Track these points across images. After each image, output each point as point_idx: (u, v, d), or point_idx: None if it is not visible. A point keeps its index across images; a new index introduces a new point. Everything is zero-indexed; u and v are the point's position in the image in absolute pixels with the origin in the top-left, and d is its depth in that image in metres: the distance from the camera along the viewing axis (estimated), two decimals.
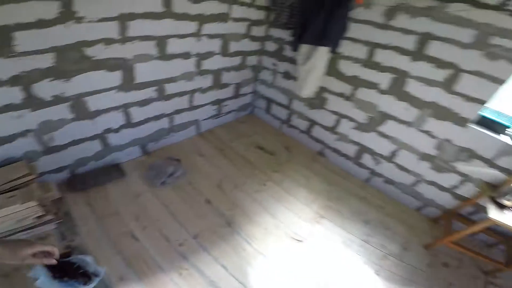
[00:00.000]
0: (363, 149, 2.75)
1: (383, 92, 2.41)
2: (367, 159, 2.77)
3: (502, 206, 1.95)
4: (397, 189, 2.72)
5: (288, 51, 2.76)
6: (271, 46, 2.95)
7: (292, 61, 2.70)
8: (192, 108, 2.62)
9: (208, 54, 2.40)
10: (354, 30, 2.38)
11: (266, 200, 2.38)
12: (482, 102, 2.03)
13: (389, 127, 2.51)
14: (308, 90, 2.65)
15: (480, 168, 2.20)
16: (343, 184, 2.78)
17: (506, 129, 2.11)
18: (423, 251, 2.31)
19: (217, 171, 2.52)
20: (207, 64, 2.44)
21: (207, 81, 2.55)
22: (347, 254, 2.14)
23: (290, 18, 2.56)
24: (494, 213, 1.88)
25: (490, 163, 2.15)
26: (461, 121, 2.15)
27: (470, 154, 2.20)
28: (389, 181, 2.74)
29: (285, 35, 2.71)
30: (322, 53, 2.44)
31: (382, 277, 2.03)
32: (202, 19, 2.16)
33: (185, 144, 2.76)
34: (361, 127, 2.67)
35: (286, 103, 3.11)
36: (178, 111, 2.53)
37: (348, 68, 2.54)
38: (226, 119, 3.16)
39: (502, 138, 2.09)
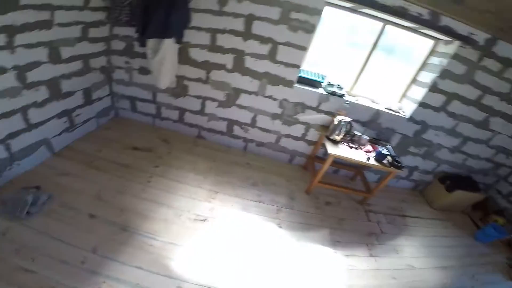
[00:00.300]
0: (231, 122, 3.12)
1: (230, 71, 2.76)
2: (238, 130, 3.17)
3: (335, 142, 2.69)
4: (268, 148, 3.27)
5: (138, 47, 2.68)
6: (118, 45, 2.77)
7: (144, 56, 2.65)
8: (32, 127, 2.21)
9: (33, 65, 2.04)
10: (196, 19, 2.54)
11: (156, 194, 2.37)
12: (297, 66, 2.66)
13: (243, 99, 2.94)
14: (165, 81, 2.69)
15: (313, 116, 2.93)
16: (226, 158, 3.09)
17: (321, 83, 2.85)
18: (306, 197, 2.91)
19: (91, 185, 2.30)
20: (35, 76, 2.08)
21: (40, 93, 2.18)
22: (249, 217, 2.44)
23: (131, 15, 2.46)
24: (331, 149, 2.60)
25: (317, 110, 2.88)
26: (289, 83, 2.77)
27: (303, 106, 2.88)
28: (260, 144, 3.25)
29: (131, 32, 2.60)
30: (169, 45, 2.50)
31: (285, 228, 2.42)
32: (12, 30, 1.80)
33: (40, 169, 2.34)
34: (223, 104, 3.00)
35: (150, 97, 3.06)
36: (12, 135, 2.10)
37: (198, 54, 2.73)
38: (86, 129, 2.82)
39: (319, 90, 2.82)
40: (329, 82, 2.86)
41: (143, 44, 2.51)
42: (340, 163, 3.18)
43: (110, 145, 2.80)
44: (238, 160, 3.10)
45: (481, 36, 2.45)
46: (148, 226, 2.08)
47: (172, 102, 3.05)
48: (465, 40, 2.46)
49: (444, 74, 2.61)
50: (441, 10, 2.34)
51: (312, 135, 3.09)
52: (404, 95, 2.99)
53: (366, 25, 2.69)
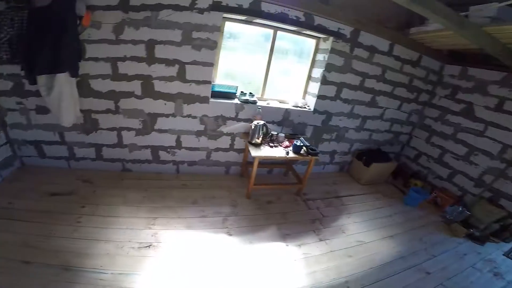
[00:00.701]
0: (156, 148, 3.07)
1: (140, 97, 2.76)
2: (164, 155, 3.13)
3: (257, 145, 2.89)
4: (202, 165, 3.30)
5: (29, 85, 2.46)
6: (4, 85, 2.51)
7: (39, 94, 2.45)
8: None
9: None
10: (91, 50, 2.49)
11: (90, 232, 2.20)
12: (209, 82, 2.81)
13: (162, 123, 2.94)
14: (69, 117, 2.52)
15: (234, 126, 3.11)
16: (158, 184, 3.00)
17: (235, 94, 3.06)
18: (247, 201, 3.00)
19: (13, 235, 2.01)
20: None
21: None
22: (196, 233, 2.40)
23: (12, 52, 2.26)
24: (254, 152, 2.78)
25: (236, 119, 3.06)
26: (204, 100, 2.90)
27: (223, 119, 3.03)
28: (192, 163, 3.26)
29: (17, 69, 2.39)
30: (64, 79, 2.36)
31: (235, 235, 2.47)
32: None
33: None
34: (142, 132, 2.94)
35: (58, 138, 2.81)
36: None
37: (101, 85, 2.66)
38: None
39: (235, 101, 3.02)
40: (242, 92, 3.10)
41: (33, 82, 2.33)
42: (269, 163, 3.41)
43: (22, 196, 2.46)
44: (172, 184, 3.05)
45: (347, 30, 3.00)
46: (91, 262, 1.92)
47: (84, 140, 2.86)
48: (336, 35, 2.98)
49: (329, 67, 3.10)
50: (312, 11, 2.79)
51: (239, 143, 3.25)
52: (306, 92, 3.42)
53: (262, 33, 3.06)
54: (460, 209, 3.30)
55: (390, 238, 2.87)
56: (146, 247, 2.18)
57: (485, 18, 2.35)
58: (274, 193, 3.19)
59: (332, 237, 2.70)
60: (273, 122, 3.18)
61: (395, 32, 3.25)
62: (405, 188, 3.90)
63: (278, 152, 2.84)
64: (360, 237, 2.79)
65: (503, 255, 2.98)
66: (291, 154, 2.84)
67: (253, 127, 2.82)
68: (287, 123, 3.26)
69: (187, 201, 2.81)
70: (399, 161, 4.34)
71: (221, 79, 3.09)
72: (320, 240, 2.63)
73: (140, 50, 2.56)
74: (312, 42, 3.21)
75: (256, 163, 2.77)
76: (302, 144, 2.89)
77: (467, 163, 3.58)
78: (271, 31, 2.99)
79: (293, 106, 3.27)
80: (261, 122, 2.83)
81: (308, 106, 3.35)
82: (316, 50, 3.23)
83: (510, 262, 2.89)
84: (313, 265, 2.30)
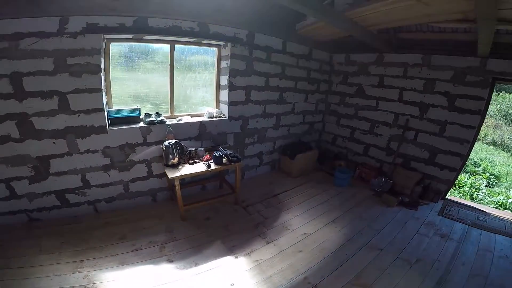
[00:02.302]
0: (60, 192, 2.59)
1: (19, 140, 2.29)
2: (74, 197, 2.66)
3: (175, 166, 2.69)
4: (123, 199, 2.91)
5: None
6: None
7: None
8: None
9: None
10: None
11: (9, 285, 1.90)
12: (100, 109, 2.50)
13: (58, 165, 2.50)
14: None
15: (145, 151, 2.84)
16: (76, 228, 2.55)
17: (139, 117, 2.81)
18: (184, 223, 2.76)
19: None
20: None
21: None
22: (132, 268, 2.14)
23: None
24: (171, 174, 2.57)
25: (146, 144, 2.80)
26: (101, 130, 2.56)
27: (130, 146, 2.74)
28: (110, 199, 2.85)
29: None
30: None
31: (177, 260, 2.26)
32: None
33: None
34: (36, 179, 2.46)
35: None
36: None
37: None
38: None
39: (140, 124, 2.76)
40: (147, 113, 2.87)
41: None
42: (198, 179, 3.25)
43: None
44: (92, 225, 2.61)
45: (243, 34, 3.11)
46: None
47: None
48: (233, 40, 3.05)
49: (233, 72, 3.16)
50: (205, 20, 2.80)
51: (158, 168, 2.99)
52: (218, 101, 3.40)
53: (159, 49, 2.91)
54: (383, 179, 3.69)
55: (332, 222, 2.97)
56: None
57: (345, 4, 2.67)
58: (211, 208, 3.05)
59: (278, 237, 2.67)
60: (189, 138, 3.03)
61: (285, 30, 3.51)
62: (333, 171, 4.15)
63: (199, 167, 2.71)
64: (304, 229, 2.82)
65: (438, 215, 3.30)
66: (213, 167, 2.74)
67: (164, 148, 2.63)
68: (206, 136, 3.16)
69: (113, 238, 2.46)
70: (320, 147, 4.71)
71: (128, 103, 2.84)
72: (268, 242, 2.57)
73: (4, 86, 2.12)
74: (215, 50, 3.22)
75: (177, 184, 2.58)
76: (221, 154, 2.83)
77: (373, 135, 4.11)
78: (168, 46, 2.87)
79: (208, 117, 3.19)
80: (173, 141, 2.66)
81: (223, 115, 3.33)
82: (220, 58, 3.25)
83: (448, 221, 3.19)
84: (268, 270, 2.22)
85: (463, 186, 4.92)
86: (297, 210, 3.16)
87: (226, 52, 3.14)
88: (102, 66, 2.48)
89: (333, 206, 3.31)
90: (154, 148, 2.86)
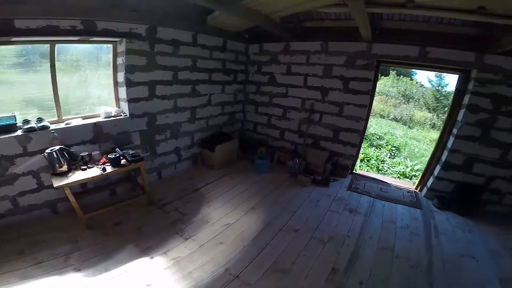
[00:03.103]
0: None
1: None
2: None
3: (63, 174, 2.43)
4: (14, 215, 2.55)
5: None
6: None
7: None
8: None
9: None
10: None
11: None
12: None
13: None
14: None
15: (28, 162, 2.51)
16: None
17: (15, 125, 2.45)
18: (90, 232, 2.56)
19: None
20: None
21: None
22: (36, 282, 1.96)
23: None
24: (57, 182, 2.31)
25: (28, 153, 2.48)
26: None
27: (6, 159, 2.38)
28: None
29: None
30: None
31: (85, 268, 2.12)
32: None
33: None
34: None
35: None
36: None
37: None
38: None
39: (17, 133, 2.42)
40: (25, 120, 2.51)
41: None
42: (104, 185, 3.05)
43: None
44: None
45: (142, 29, 2.91)
46: None
47: None
48: (129, 36, 2.83)
49: (130, 69, 2.94)
50: (91, 17, 2.53)
51: (49, 178, 2.68)
52: (118, 99, 3.16)
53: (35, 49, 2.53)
54: (297, 161, 3.94)
55: (252, 210, 3.04)
56: None
57: None
58: (122, 213, 2.85)
59: (197, 232, 2.64)
60: (83, 142, 2.77)
61: (195, 23, 3.41)
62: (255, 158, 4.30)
63: (92, 172, 2.51)
64: (225, 220, 2.84)
65: (347, 190, 3.65)
66: (110, 169, 2.56)
67: (46, 156, 2.36)
68: (104, 138, 2.92)
69: (10, 254, 2.20)
70: (244, 136, 4.83)
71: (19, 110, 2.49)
72: (186, 239, 2.53)
73: None
74: (110, 46, 2.94)
75: (68, 193, 2.37)
76: (118, 155, 2.66)
77: (286, 120, 4.36)
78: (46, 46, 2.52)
79: (106, 117, 2.95)
80: (56, 148, 2.39)
81: (124, 113, 3.11)
82: (115, 54, 2.99)
83: (356, 195, 3.54)
84: (188, 266, 2.19)
85: (370, 159, 5.60)
86: (218, 202, 3.18)
87: (121, 48, 2.90)
88: None
89: (253, 193, 3.42)
90: (38, 157, 2.53)
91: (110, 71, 3.05)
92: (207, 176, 3.82)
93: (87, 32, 2.57)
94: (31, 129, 2.49)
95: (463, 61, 3.04)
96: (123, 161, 2.67)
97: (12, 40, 2.31)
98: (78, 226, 2.63)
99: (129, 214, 2.88)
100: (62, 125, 2.69)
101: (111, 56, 3.00)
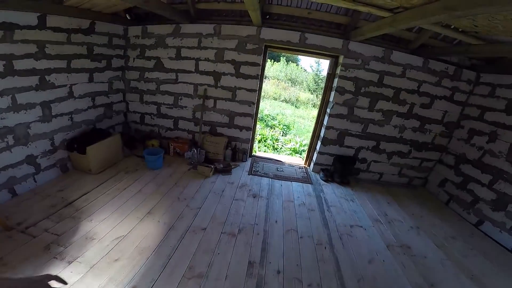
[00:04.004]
0: None
1: None
2: None
3: None
4: None
5: None
6: None
7: None
8: None
9: None
10: None
11: None
12: None
13: None
14: None
15: None
16: None
17: None
18: None
19: None
20: None
21: None
22: None
23: None
24: None
25: None
26: None
27: None
28: None
29: None
30: None
31: None
32: None
33: None
34: None
35: None
36: None
37: None
38: None
39: None
40: None
41: None
42: None
43: None
44: None
45: None
46: None
47: None
48: None
49: None
50: None
51: None
52: None
53: None
54: (196, 150, 3.68)
55: (149, 214, 2.64)
56: None
57: None
58: None
59: (82, 251, 2.08)
60: None
61: (45, 2, 2.53)
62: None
63: None
64: (116, 233, 2.33)
65: (249, 174, 3.65)
66: None
67: None
68: None
69: None
70: (129, 130, 4.18)
71: None
72: (70, 262, 1.96)
73: None
74: None
75: None
76: None
77: (179, 108, 4.01)
78: None
79: None
80: None
81: None
82: None
83: (256, 178, 3.59)
84: None
85: (266, 139, 6.02)
86: (103, 213, 2.59)
87: None
88: None
89: (148, 194, 2.99)
90: None
91: None
92: (83, 184, 3.05)
93: None
94: None
95: (333, 48, 3.47)
96: None
97: None
98: None
99: None
100: None
101: None
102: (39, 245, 2.14)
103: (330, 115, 3.78)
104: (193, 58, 3.73)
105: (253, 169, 3.90)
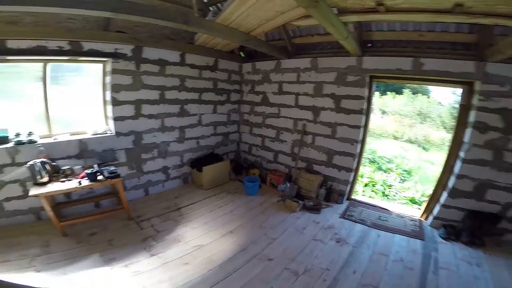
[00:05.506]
0: None
1: None
2: None
3: (43, 184, 2.56)
4: (0, 218, 2.69)
5: None
6: None
7: None
8: None
9: None
10: None
11: None
12: None
13: None
14: None
15: (15, 172, 2.68)
16: None
17: (7, 138, 2.68)
18: (64, 239, 2.65)
19: None
20: None
21: None
22: None
23: None
24: (33, 191, 2.45)
25: (16, 164, 2.66)
26: None
27: None
28: None
29: None
30: None
31: (45, 270, 2.19)
32: None
33: None
34: None
35: None
36: None
37: None
38: None
39: (8, 145, 2.63)
40: (17, 133, 2.75)
41: None
42: (87, 198, 3.15)
43: None
44: None
45: (127, 49, 3.11)
46: None
47: None
48: (114, 56, 3.03)
49: (116, 88, 3.13)
50: (78, 38, 2.77)
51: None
52: (106, 116, 3.32)
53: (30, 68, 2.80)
54: (288, 185, 3.73)
55: (230, 233, 2.90)
56: None
57: (212, 14, 2.84)
58: (101, 224, 2.92)
59: (166, 250, 2.57)
60: (69, 157, 2.92)
61: (183, 42, 3.57)
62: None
63: (69, 185, 2.60)
64: (198, 241, 2.73)
65: (340, 217, 3.29)
66: (86, 183, 2.64)
67: (29, 168, 2.51)
68: (89, 154, 3.06)
69: None
70: (239, 158, 4.74)
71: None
72: (152, 255, 2.48)
73: None
74: (100, 66, 3.16)
75: (44, 201, 2.48)
76: (95, 170, 2.74)
77: (280, 142, 4.21)
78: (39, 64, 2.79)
79: (93, 134, 3.11)
80: (38, 160, 2.54)
81: (110, 131, 3.25)
82: (104, 73, 3.21)
83: (348, 223, 3.17)
84: (144, 281, 2.15)
85: (376, 184, 5.15)
86: (197, 222, 3.08)
87: (109, 67, 3.11)
88: None
89: (237, 215, 3.28)
90: (25, 168, 2.72)
91: (100, 90, 3.25)
92: (194, 195, 3.76)
93: (74, 52, 2.80)
94: (20, 142, 2.69)
95: (462, 72, 2.73)
96: (100, 177, 2.75)
97: (7, 59, 2.59)
98: (56, 232, 2.71)
99: (106, 226, 2.92)
100: (50, 140, 2.88)
101: (101, 75, 3.20)
102: (141, 236, 2.80)
103: (464, 160, 2.83)
104: (293, 93, 3.93)
105: (347, 213, 3.42)
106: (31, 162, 2.53)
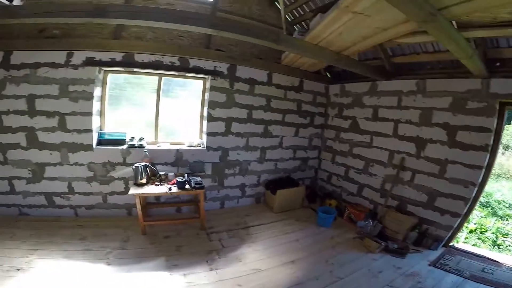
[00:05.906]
0: (49, 194, 3.06)
1: (26, 148, 2.89)
2: (60, 200, 3.09)
3: (141, 185, 2.94)
4: (100, 208, 3.22)
5: None
6: None
7: None
8: None
9: None
10: None
11: None
12: (90, 130, 3.00)
13: (50, 172, 3.01)
14: None
15: (123, 170, 3.20)
16: (52, 225, 2.94)
17: (124, 140, 3.24)
18: (142, 237, 2.92)
19: None
20: None
21: None
22: (72, 263, 2.35)
23: None
24: (133, 190, 2.82)
25: (125, 164, 3.16)
26: (88, 147, 3.04)
27: (111, 164, 3.13)
28: (90, 207, 3.19)
29: None
30: None
31: (114, 265, 2.41)
32: None
33: None
34: (32, 180, 2.98)
35: None
36: None
37: None
38: None
39: (124, 147, 3.19)
40: (132, 137, 3.29)
41: None
42: (173, 202, 3.44)
43: None
44: (67, 225, 2.98)
45: (224, 67, 3.40)
46: None
47: None
48: (213, 73, 3.35)
49: (212, 104, 3.41)
50: (186, 54, 3.20)
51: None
52: (201, 131, 3.64)
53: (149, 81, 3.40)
54: (370, 222, 3.23)
55: (290, 263, 2.66)
56: (15, 270, 2.17)
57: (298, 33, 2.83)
58: (176, 229, 3.11)
59: (226, 267, 2.52)
60: (166, 164, 3.29)
61: (270, 61, 3.69)
62: None
63: (160, 189, 2.89)
64: (257, 265, 2.60)
65: (429, 265, 2.72)
66: (174, 190, 2.89)
67: (133, 169, 2.92)
68: (182, 163, 3.38)
69: (75, 237, 2.77)
70: (315, 185, 4.39)
71: (113, 126, 3.32)
72: (211, 269, 2.46)
73: (21, 104, 2.81)
74: (201, 83, 3.53)
75: (137, 200, 2.79)
76: (185, 180, 2.97)
77: (368, 175, 3.70)
78: (155, 78, 3.33)
79: (189, 146, 3.45)
80: (142, 164, 2.94)
81: (203, 145, 3.52)
82: (204, 90, 3.55)
83: (439, 272, 2.60)
84: None
85: (485, 231, 3.91)
86: (260, 245, 2.96)
87: (208, 84, 3.45)
88: (98, 94, 3.04)
89: (302, 246, 3.00)
90: (131, 168, 3.16)
91: (199, 105, 3.61)
92: (263, 216, 3.65)
93: (182, 68, 3.22)
94: (132, 146, 3.20)
95: None
96: (187, 186, 2.96)
97: (134, 70, 3.20)
98: (138, 230, 2.99)
99: (180, 232, 3.09)
100: (154, 147, 3.32)
101: (201, 91, 3.56)
102: (207, 248, 2.82)
103: None
104: (391, 120, 3.42)
105: (440, 261, 2.68)
106: (136, 164, 2.94)
